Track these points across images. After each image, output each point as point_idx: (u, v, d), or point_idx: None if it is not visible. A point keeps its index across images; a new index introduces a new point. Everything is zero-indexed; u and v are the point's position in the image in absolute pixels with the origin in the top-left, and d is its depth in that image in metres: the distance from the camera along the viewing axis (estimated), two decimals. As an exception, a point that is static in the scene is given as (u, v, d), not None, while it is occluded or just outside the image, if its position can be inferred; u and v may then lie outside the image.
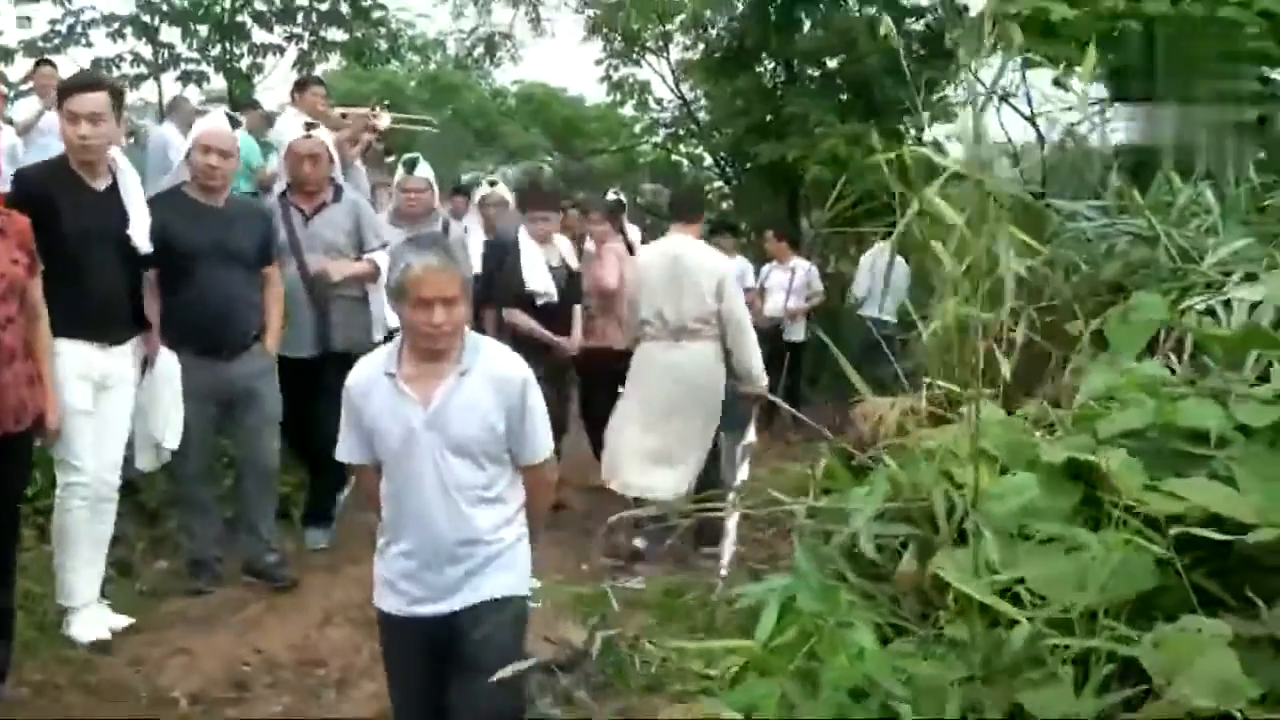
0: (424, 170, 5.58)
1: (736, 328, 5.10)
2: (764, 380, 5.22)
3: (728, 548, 4.50)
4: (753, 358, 5.14)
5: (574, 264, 5.79)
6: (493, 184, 6.91)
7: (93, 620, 3.73)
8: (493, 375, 2.53)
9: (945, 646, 1.96)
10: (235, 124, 4.56)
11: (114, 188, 3.80)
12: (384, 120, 6.41)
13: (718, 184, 13.70)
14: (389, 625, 2.62)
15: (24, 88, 9.63)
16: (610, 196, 9.13)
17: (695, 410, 5.12)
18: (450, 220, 5.96)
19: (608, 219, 6.24)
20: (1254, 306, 3.48)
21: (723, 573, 4.31)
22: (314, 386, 4.48)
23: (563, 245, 5.77)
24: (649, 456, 5.05)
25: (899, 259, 6.80)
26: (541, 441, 2.63)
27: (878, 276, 7.32)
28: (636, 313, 5.22)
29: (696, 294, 5.05)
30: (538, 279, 5.43)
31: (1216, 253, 4.09)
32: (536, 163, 12.24)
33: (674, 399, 5.09)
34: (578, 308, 5.70)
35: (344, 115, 6.44)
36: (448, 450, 2.49)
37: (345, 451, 2.64)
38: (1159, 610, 1.85)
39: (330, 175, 4.93)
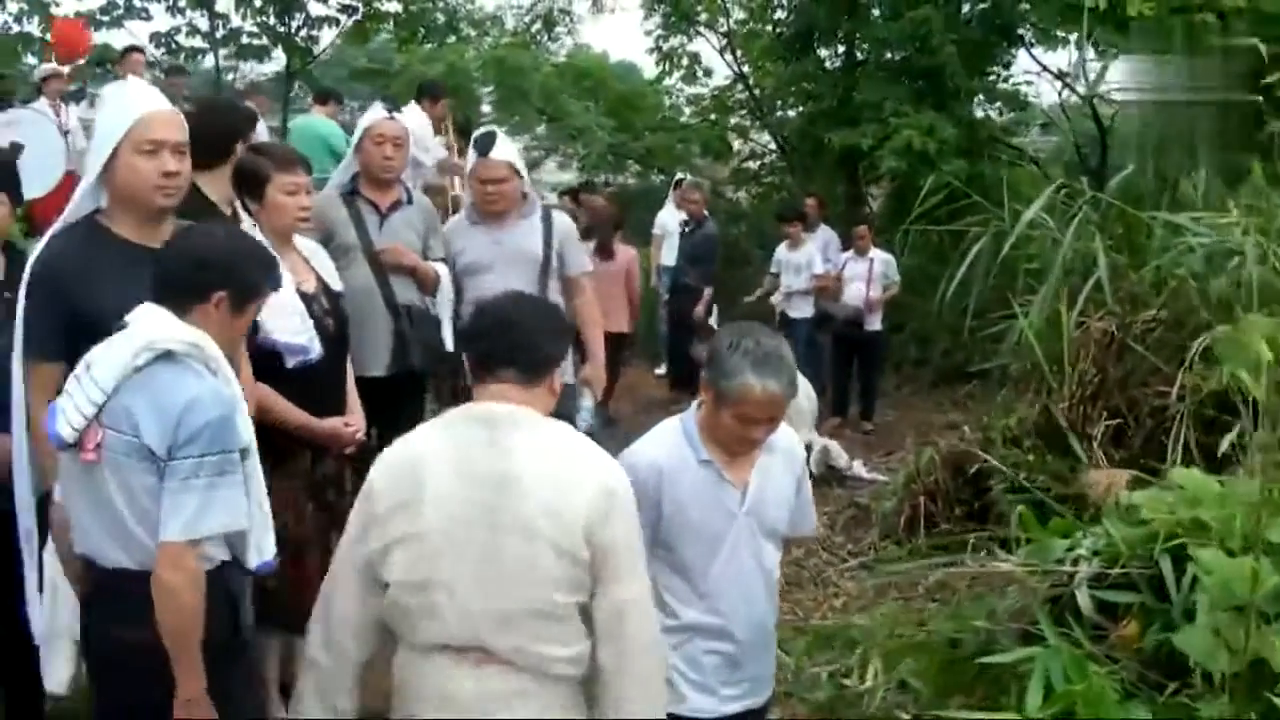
0: (503, 150, 4.05)
1: None
2: None
3: None
4: None
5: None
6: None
7: None
8: (784, 450, 2.50)
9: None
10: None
11: None
12: None
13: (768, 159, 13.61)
14: None
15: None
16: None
17: None
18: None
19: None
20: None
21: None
22: (389, 415, 3.58)
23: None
24: None
25: None
26: (813, 511, 2.67)
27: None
28: None
29: None
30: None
31: (1327, 273, 4.17)
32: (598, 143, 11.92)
33: None
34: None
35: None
36: (760, 534, 2.44)
37: None
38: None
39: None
